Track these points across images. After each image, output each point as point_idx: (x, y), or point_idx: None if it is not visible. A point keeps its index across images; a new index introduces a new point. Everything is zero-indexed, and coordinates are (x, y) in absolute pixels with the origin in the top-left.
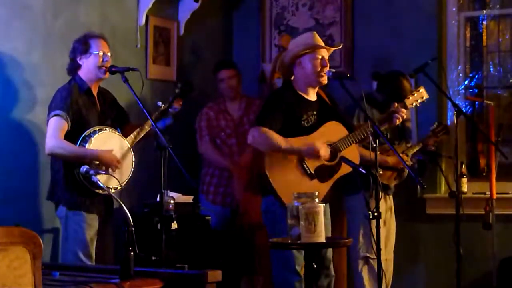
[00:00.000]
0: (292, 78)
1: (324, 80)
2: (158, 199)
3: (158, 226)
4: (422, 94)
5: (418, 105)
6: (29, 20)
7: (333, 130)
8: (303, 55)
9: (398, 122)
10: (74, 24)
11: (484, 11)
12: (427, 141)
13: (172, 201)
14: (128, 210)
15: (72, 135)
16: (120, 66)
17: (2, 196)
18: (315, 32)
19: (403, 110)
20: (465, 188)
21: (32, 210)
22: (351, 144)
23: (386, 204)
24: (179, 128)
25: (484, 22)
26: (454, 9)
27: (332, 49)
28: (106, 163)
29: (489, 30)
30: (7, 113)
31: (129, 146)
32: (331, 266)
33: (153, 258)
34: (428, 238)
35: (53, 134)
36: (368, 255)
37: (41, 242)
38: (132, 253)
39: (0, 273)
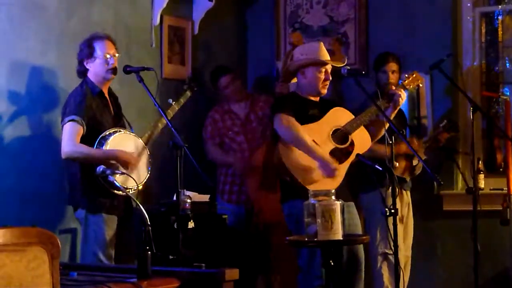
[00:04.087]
0: (295, 82)
1: (324, 91)
2: (174, 198)
3: (175, 225)
4: (417, 77)
5: (416, 88)
6: (44, 20)
7: (340, 115)
8: (307, 66)
9: (401, 101)
10: (88, 24)
11: (500, 6)
12: (438, 136)
13: (188, 200)
14: (145, 210)
15: (88, 139)
16: (135, 65)
17: (20, 197)
18: (321, 43)
19: (401, 90)
20: (482, 184)
21: (50, 211)
22: (359, 126)
23: (403, 200)
24: (193, 127)
25: (500, 18)
26: (469, 4)
27: (335, 63)
28: (123, 162)
29: (505, 25)
30: (22, 114)
31: (145, 146)
32: (362, 267)
33: (170, 257)
34: (445, 235)
35: (69, 139)
36: (386, 251)
37: (59, 242)
38: (149, 252)
39: (18, 274)
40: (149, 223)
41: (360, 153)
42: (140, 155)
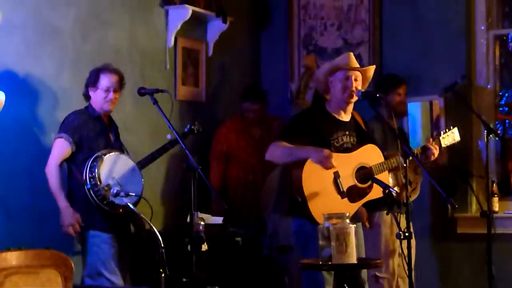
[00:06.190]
0: (328, 97)
1: (350, 99)
2: (188, 220)
3: (189, 247)
4: (454, 135)
5: (450, 145)
6: (59, 43)
7: (370, 153)
8: (333, 75)
9: (433, 158)
10: (103, 46)
11: None
12: (437, 161)
13: (202, 222)
14: (158, 231)
15: (79, 157)
16: (149, 87)
17: (36, 216)
18: (351, 52)
19: (436, 146)
20: (496, 207)
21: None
22: (384, 171)
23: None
24: (206, 148)
25: None
26: (483, 27)
27: (361, 69)
28: (63, 222)
29: None
30: (37, 136)
31: (136, 167)
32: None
33: (184, 279)
34: (459, 258)
35: (53, 157)
36: (376, 273)
37: (72, 264)
38: (163, 274)
39: None
40: (162, 245)
41: (376, 197)
42: (131, 176)
